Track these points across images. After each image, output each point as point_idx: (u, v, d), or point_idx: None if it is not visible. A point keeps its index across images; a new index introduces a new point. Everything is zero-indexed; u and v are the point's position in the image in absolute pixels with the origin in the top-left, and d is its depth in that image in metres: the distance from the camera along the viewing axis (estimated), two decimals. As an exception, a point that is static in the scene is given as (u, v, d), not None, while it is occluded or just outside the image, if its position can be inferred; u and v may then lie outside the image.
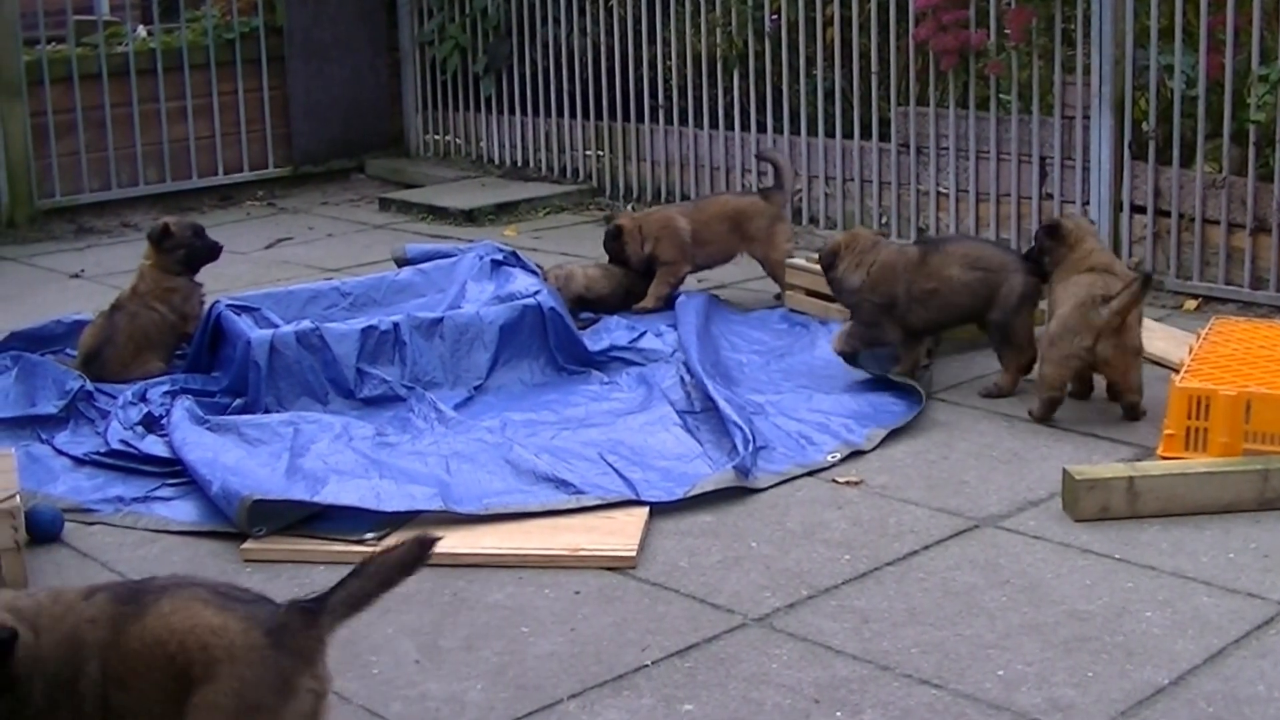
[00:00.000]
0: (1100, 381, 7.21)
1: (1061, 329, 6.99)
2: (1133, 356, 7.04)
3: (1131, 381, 7.04)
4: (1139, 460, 6.48)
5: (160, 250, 8.04)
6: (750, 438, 6.65)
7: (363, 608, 4.08)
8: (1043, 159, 9.56)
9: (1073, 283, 7.08)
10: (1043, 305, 7.41)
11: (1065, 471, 6.14)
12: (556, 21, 12.46)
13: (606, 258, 9.19)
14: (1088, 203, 9.30)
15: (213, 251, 8.22)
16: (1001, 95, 9.74)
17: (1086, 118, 9.27)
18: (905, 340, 7.57)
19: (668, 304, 8.81)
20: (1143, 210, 9.12)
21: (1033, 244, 7.56)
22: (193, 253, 8.12)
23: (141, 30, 13.42)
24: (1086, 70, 9.22)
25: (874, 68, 10.32)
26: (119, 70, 12.32)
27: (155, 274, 8.03)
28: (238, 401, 7.31)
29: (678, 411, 7.17)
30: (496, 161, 13.18)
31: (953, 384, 7.60)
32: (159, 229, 8.08)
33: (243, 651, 3.88)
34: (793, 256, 8.90)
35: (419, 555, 4.10)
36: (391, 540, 5.84)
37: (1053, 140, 9.46)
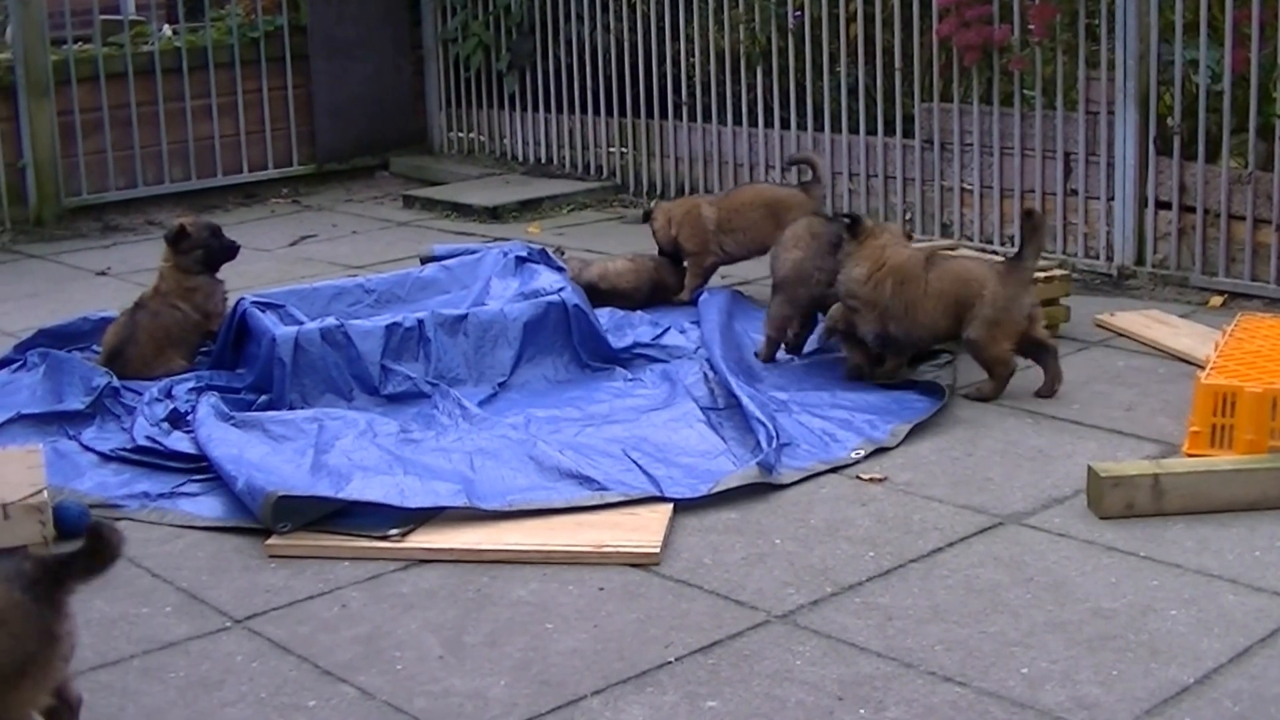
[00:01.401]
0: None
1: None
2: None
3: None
4: (1164, 457, 6.46)
5: (178, 251, 8.05)
6: (774, 434, 6.64)
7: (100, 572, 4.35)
8: (1067, 155, 9.54)
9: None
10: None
11: (1090, 469, 6.12)
12: (579, 18, 12.48)
13: (630, 252, 9.21)
14: (1112, 198, 9.28)
15: (230, 251, 8.23)
16: (1025, 91, 9.73)
17: (1111, 113, 9.25)
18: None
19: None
20: (1168, 206, 9.11)
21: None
22: (210, 252, 8.13)
23: (167, 29, 13.45)
24: (1111, 65, 9.20)
25: (897, 64, 10.32)
26: (144, 69, 12.36)
27: (175, 274, 8.04)
28: (263, 398, 7.32)
29: (701, 408, 7.17)
30: (520, 159, 13.19)
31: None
32: (175, 230, 8.09)
33: (7, 610, 4.14)
34: None
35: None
36: (415, 536, 5.90)
37: (1077, 136, 9.44)
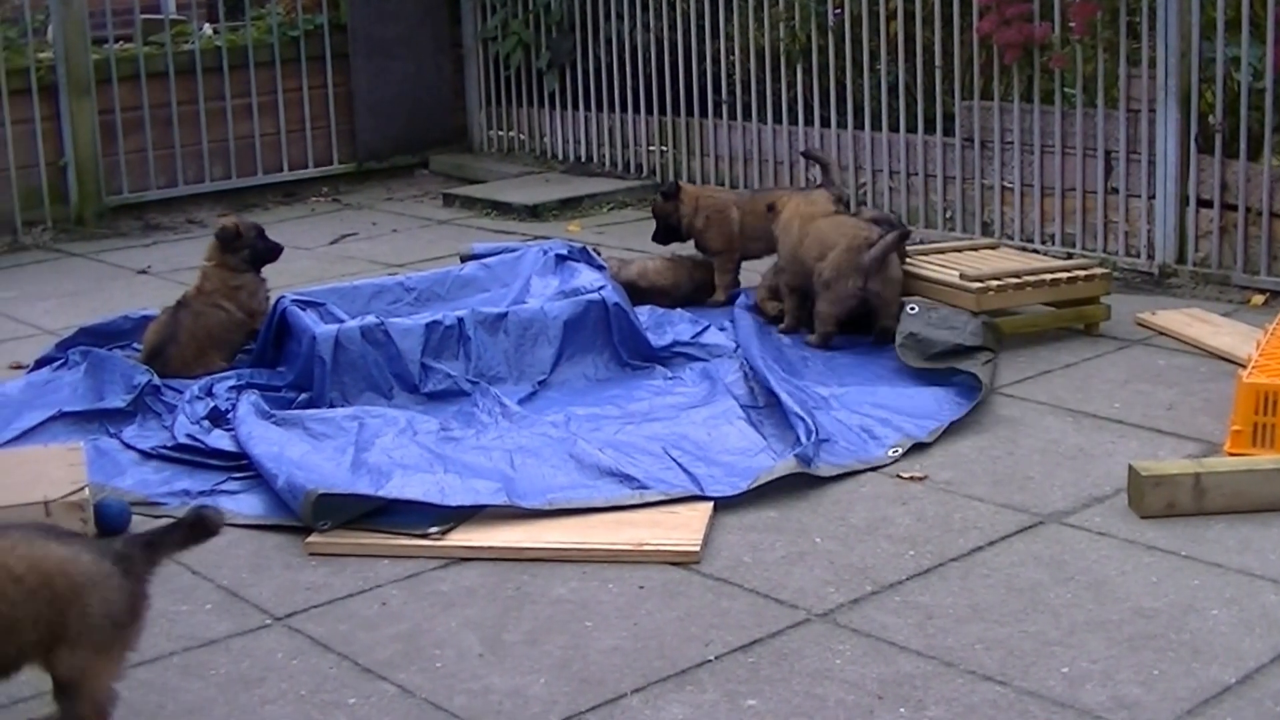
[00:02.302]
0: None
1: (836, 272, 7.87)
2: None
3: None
4: (1206, 456, 6.43)
5: (228, 251, 8.08)
6: (813, 429, 6.64)
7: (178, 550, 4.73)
8: (1108, 153, 9.51)
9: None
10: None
11: (1131, 467, 6.10)
12: (619, 17, 12.48)
13: (669, 251, 9.21)
14: (1153, 196, 9.25)
15: (275, 251, 8.29)
16: (1066, 89, 9.70)
17: (1152, 111, 9.22)
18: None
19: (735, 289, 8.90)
20: (1209, 204, 9.07)
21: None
22: (256, 253, 8.18)
23: (207, 28, 13.50)
24: (1152, 63, 9.17)
25: (937, 62, 10.29)
26: (185, 68, 12.40)
27: (220, 272, 8.07)
28: (303, 396, 7.34)
29: (741, 406, 7.17)
30: (560, 157, 13.20)
31: (1017, 379, 7.58)
32: (230, 231, 8.12)
33: (101, 578, 4.40)
34: None
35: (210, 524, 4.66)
36: (455, 534, 5.91)
37: (1118, 134, 9.41)
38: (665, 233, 9.25)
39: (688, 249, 9.19)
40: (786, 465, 6.38)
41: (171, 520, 4.93)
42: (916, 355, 7.49)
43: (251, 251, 8.15)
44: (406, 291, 8.38)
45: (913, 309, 7.70)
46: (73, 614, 4.32)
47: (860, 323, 7.99)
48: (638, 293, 8.57)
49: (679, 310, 8.52)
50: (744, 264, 9.12)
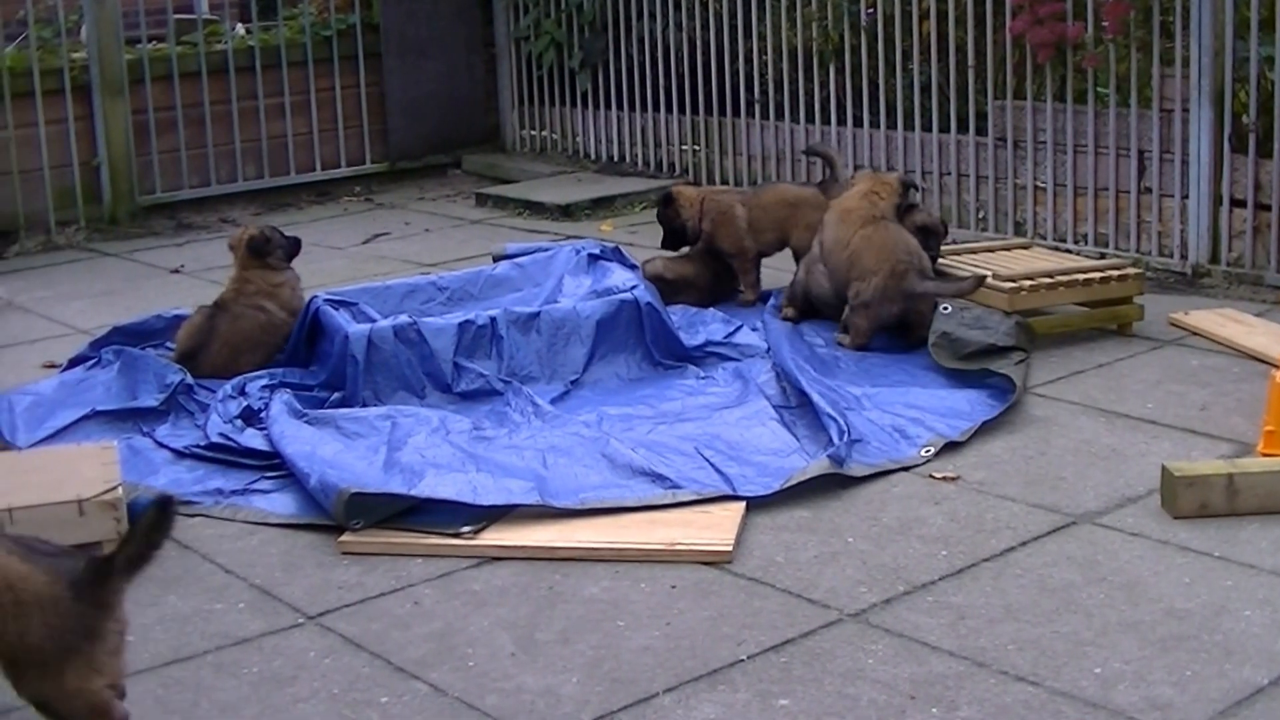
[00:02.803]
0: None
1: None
2: None
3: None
4: (1238, 457, 6.42)
5: (261, 255, 8.08)
6: (845, 429, 6.64)
7: (143, 566, 4.55)
8: (1141, 153, 9.49)
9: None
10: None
11: (1164, 468, 6.09)
12: (652, 16, 12.49)
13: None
14: (1186, 196, 9.23)
15: (298, 244, 8.34)
16: (1099, 88, 9.68)
17: (1185, 110, 9.19)
18: None
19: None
20: (1243, 204, 9.04)
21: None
22: (286, 248, 8.21)
23: (240, 28, 13.54)
24: (1185, 62, 9.14)
25: (970, 61, 10.28)
26: (218, 68, 12.44)
27: (261, 274, 8.05)
28: (335, 395, 7.35)
29: (774, 406, 7.16)
30: (592, 156, 13.21)
31: (1050, 379, 7.56)
32: (259, 238, 8.10)
33: (49, 601, 4.38)
34: None
35: (167, 514, 4.54)
36: (488, 534, 5.92)
37: (1151, 134, 9.39)
38: (671, 238, 9.15)
39: None
40: (819, 465, 6.38)
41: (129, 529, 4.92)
42: (949, 355, 7.48)
43: (283, 250, 8.17)
44: (439, 291, 8.40)
45: (946, 309, 7.69)
46: (12, 634, 4.35)
47: (892, 325, 7.99)
48: (666, 286, 8.56)
49: (711, 310, 8.52)
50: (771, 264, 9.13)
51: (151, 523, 4.48)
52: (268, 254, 8.10)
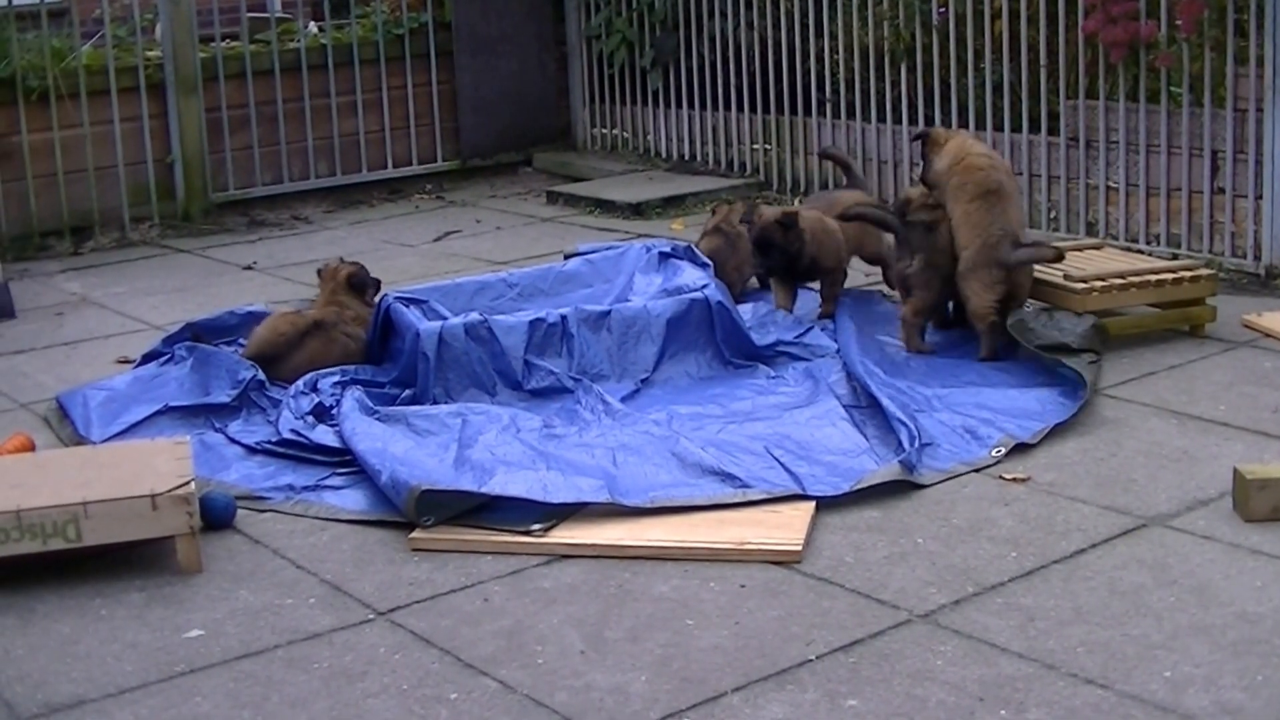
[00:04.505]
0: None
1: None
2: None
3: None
4: (1312, 459, 6.39)
5: (361, 292, 8.12)
6: (915, 434, 6.63)
7: None
8: (1214, 152, 9.43)
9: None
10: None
11: (1236, 471, 6.05)
12: (723, 15, 12.49)
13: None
14: (1260, 196, 9.17)
15: (379, 285, 8.38)
16: (1172, 88, 9.63)
17: (1260, 110, 9.13)
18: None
19: None
20: (1318, 205, 9.00)
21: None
22: (375, 287, 8.29)
23: (313, 27, 13.59)
24: (1259, 61, 9.08)
25: (1043, 61, 10.24)
26: (291, 66, 12.51)
27: (356, 303, 8.07)
28: (406, 392, 7.38)
29: (844, 406, 7.15)
30: (663, 155, 13.22)
31: (1121, 380, 7.53)
32: (360, 277, 8.18)
33: None
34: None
35: None
36: (558, 531, 5.93)
37: (1224, 133, 9.33)
38: (778, 257, 8.49)
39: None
40: (890, 470, 6.36)
41: None
42: (1025, 339, 7.49)
43: (374, 288, 8.24)
44: (509, 288, 8.40)
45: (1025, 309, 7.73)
46: None
47: (961, 322, 7.97)
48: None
49: (782, 310, 8.49)
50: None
51: None
52: (365, 289, 8.13)
